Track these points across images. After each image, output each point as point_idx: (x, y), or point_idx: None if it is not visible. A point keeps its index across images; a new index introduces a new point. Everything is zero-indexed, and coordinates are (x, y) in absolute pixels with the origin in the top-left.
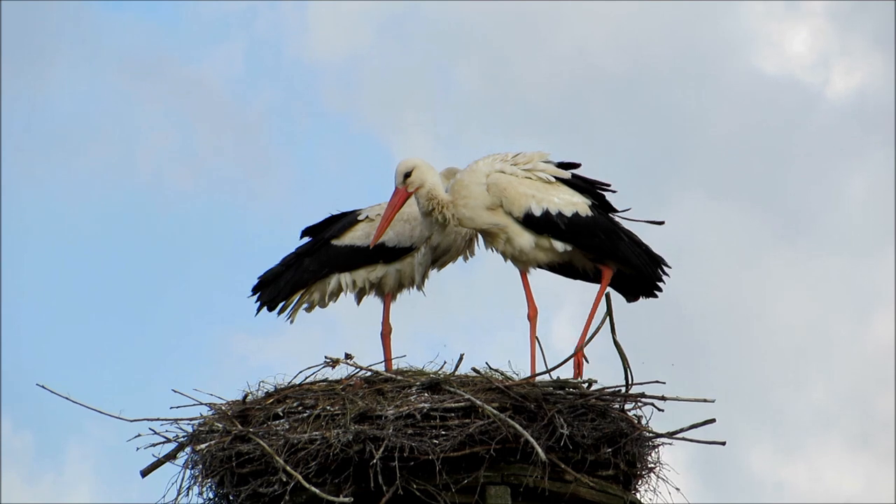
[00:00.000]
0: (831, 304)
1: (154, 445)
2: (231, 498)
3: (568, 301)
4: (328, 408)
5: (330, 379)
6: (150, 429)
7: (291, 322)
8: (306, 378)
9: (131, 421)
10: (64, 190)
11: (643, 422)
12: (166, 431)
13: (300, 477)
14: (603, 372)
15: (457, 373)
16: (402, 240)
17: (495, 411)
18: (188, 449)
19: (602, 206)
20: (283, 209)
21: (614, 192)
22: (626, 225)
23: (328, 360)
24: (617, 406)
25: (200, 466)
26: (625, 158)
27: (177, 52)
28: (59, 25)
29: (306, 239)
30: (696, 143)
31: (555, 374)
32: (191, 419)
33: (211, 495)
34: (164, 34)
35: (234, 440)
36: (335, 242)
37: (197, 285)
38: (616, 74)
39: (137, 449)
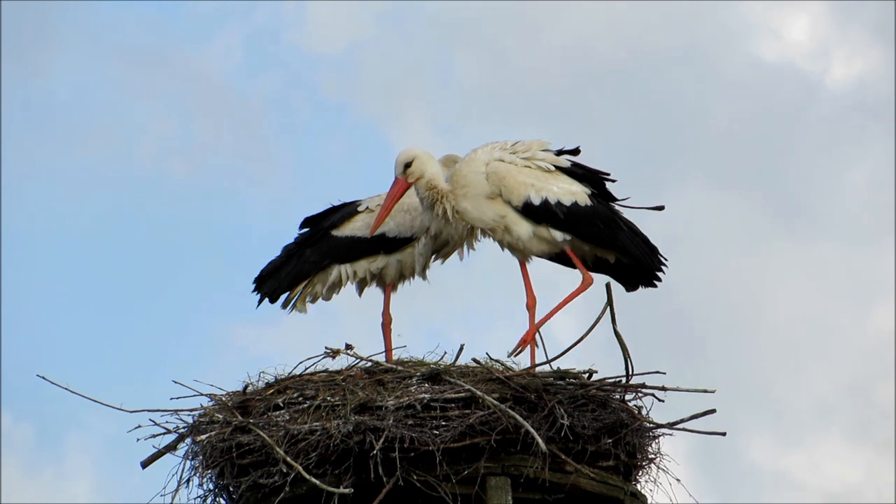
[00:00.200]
0: (832, 294)
1: (154, 436)
2: (231, 489)
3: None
4: (328, 398)
5: (330, 369)
6: (150, 420)
7: (299, 311)
8: (307, 369)
9: (131, 412)
10: (63, 180)
11: (643, 412)
12: (166, 422)
13: (300, 468)
14: (603, 362)
15: (457, 363)
16: (403, 230)
17: (496, 402)
18: (188, 440)
19: (602, 195)
20: (282, 199)
21: (614, 181)
22: (626, 213)
23: (328, 351)
24: (617, 396)
25: (201, 457)
26: (624, 148)
27: (176, 42)
28: (59, 15)
29: (306, 230)
30: (696, 133)
31: (555, 365)
32: (191, 410)
33: (211, 486)
34: (163, 24)
35: (234, 431)
36: (335, 233)
37: (197, 275)
38: (615, 64)
39: (138, 440)
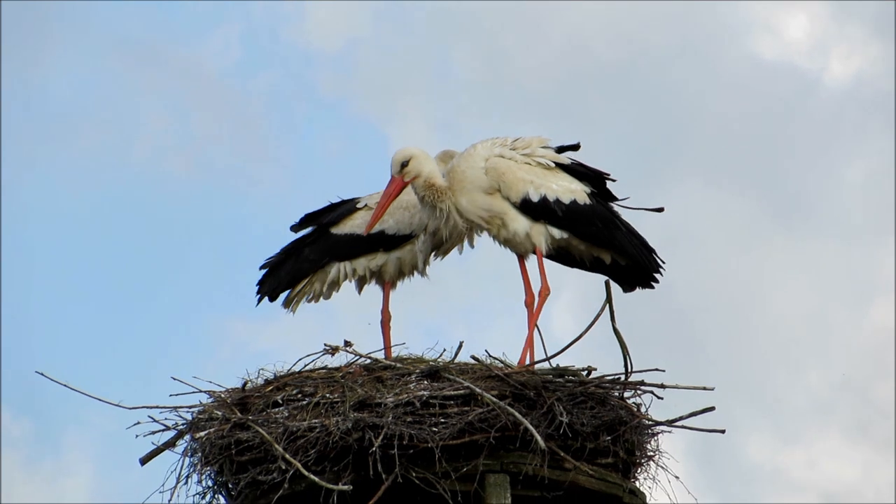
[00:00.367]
0: (830, 291)
1: (153, 433)
2: (230, 486)
3: (566, 288)
4: (327, 395)
5: (329, 366)
6: (149, 416)
7: (290, 311)
8: (306, 365)
9: (130, 408)
10: (61, 177)
11: (642, 410)
12: (165, 419)
13: (299, 465)
14: (602, 360)
15: (456, 360)
16: (402, 227)
17: (495, 399)
18: (187, 437)
19: (602, 195)
20: (280, 196)
21: (614, 180)
22: (625, 213)
23: (327, 348)
24: (616, 394)
25: (200, 454)
26: (622, 145)
27: (174, 39)
28: (57, 12)
29: (307, 229)
30: (694, 130)
31: (554, 362)
32: (190, 407)
33: (210, 483)
34: (161, 21)
35: (233, 428)
36: (334, 231)
37: (195, 272)
38: (614, 60)
39: (136, 437)
